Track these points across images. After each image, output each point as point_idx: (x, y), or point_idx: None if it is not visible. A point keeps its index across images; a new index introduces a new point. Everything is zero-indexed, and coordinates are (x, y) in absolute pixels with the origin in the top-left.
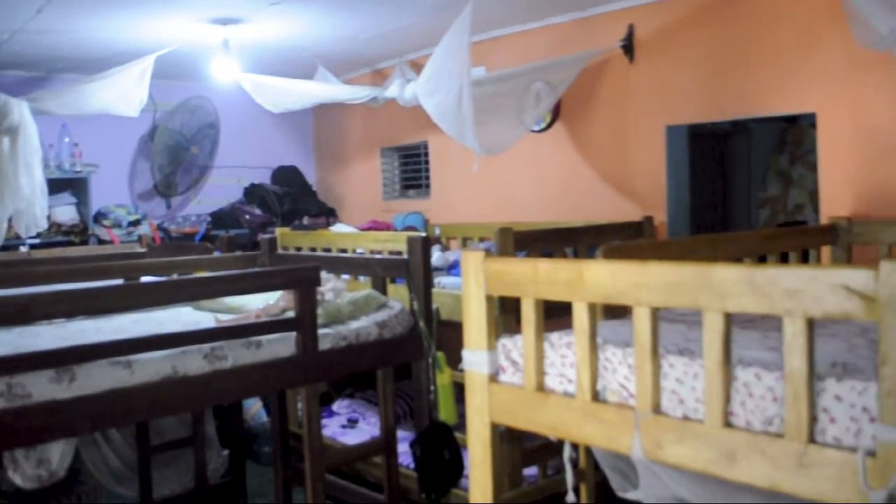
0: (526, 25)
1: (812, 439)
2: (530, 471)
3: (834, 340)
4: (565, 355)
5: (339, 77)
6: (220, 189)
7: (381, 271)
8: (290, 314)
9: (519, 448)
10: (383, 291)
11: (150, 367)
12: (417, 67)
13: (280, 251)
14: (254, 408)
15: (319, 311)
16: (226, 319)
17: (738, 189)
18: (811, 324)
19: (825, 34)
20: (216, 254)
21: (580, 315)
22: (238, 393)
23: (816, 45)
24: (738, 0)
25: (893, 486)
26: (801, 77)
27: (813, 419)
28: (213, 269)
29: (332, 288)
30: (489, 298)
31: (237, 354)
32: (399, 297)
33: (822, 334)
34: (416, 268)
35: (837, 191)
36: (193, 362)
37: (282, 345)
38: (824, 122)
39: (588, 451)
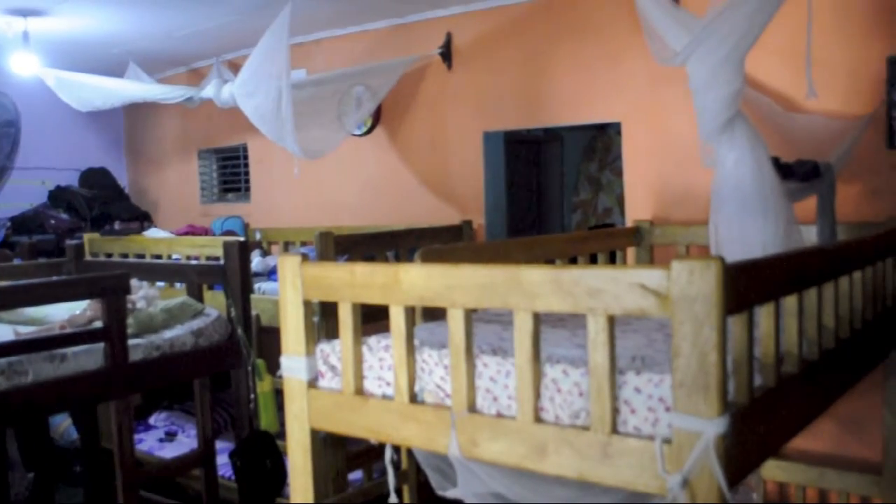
0: (346, 29)
1: (615, 430)
2: (356, 475)
3: (636, 336)
4: (383, 358)
5: (153, 75)
6: (22, 192)
7: (196, 278)
8: (98, 324)
9: (343, 453)
10: (199, 298)
11: None
12: (235, 68)
13: (88, 258)
14: (63, 425)
15: (130, 320)
16: (26, 332)
17: (552, 193)
18: (612, 321)
19: (629, 48)
20: (16, 261)
21: (397, 318)
22: (40, 410)
23: (622, 59)
24: (550, 13)
25: (688, 470)
26: (607, 88)
27: (615, 411)
28: (13, 277)
29: (144, 296)
30: (306, 303)
31: (39, 369)
32: (216, 304)
33: (625, 331)
34: (233, 273)
35: (641, 195)
36: None
37: (89, 357)
38: (629, 130)
39: (410, 452)
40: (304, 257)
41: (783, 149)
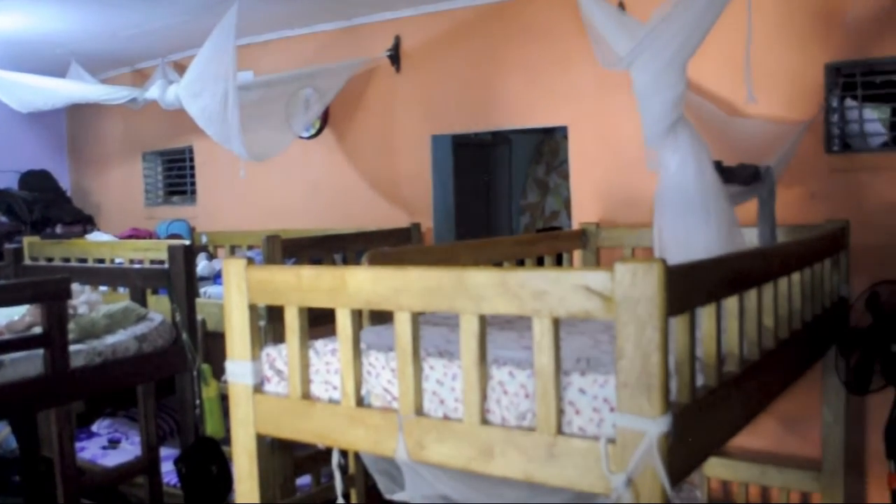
0: (294, 31)
1: (560, 431)
2: (304, 480)
3: (582, 338)
4: (330, 362)
5: (96, 76)
6: None
7: (140, 282)
8: (38, 330)
9: (291, 458)
10: (143, 303)
11: None
12: (181, 68)
13: (28, 262)
14: (1, 434)
15: (71, 325)
16: None
17: (500, 196)
18: (557, 323)
19: (576, 53)
20: None
21: (343, 321)
22: None
23: (569, 63)
24: (498, 18)
25: (632, 469)
26: (555, 92)
27: (560, 412)
28: None
29: (86, 300)
30: (252, 307)
31: None
32: (161, 308)
33: (571, 332)
34: (177, 277)
35: (588, 198)
36: None
37: (28, 364)
38: (575, 134)
39: (357, 456)
40: (250, 261)
41: (725, 153)
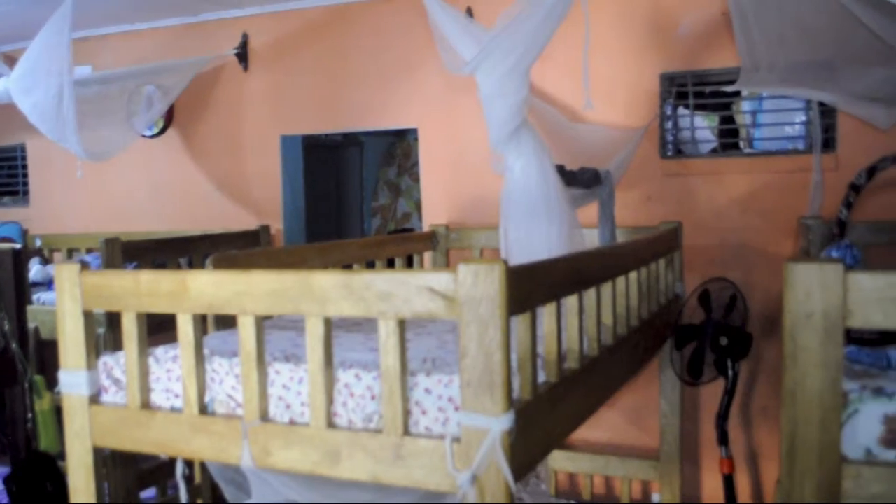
0: (136, 25)
1: (407, 432)
2: (149, 492)
3: (429, 338)
4: (171, 369)
5: None
6: None
7: None
8: None
9: (134, 470)
10: None
11: None
12: (11, 61)
13: None
14: None
15: None
16: None
17: (351, 198)
18: (402, 324)
19: (426, 56)
20: None
21: (184, 327)
22: None
23: (418, 66)
24: (348, 19)
25: (476, 466)
26: (404, 94)
27: (407, 413)
28: None
29: None
30: (87, 314)
31: None
32: None
33: (419, 333)
34: (6, 283)
35: (438, 200)
36: None
37: None
38: (425, 137)
39: (203, 465)
40: (84, 265)
41: (568, 157)
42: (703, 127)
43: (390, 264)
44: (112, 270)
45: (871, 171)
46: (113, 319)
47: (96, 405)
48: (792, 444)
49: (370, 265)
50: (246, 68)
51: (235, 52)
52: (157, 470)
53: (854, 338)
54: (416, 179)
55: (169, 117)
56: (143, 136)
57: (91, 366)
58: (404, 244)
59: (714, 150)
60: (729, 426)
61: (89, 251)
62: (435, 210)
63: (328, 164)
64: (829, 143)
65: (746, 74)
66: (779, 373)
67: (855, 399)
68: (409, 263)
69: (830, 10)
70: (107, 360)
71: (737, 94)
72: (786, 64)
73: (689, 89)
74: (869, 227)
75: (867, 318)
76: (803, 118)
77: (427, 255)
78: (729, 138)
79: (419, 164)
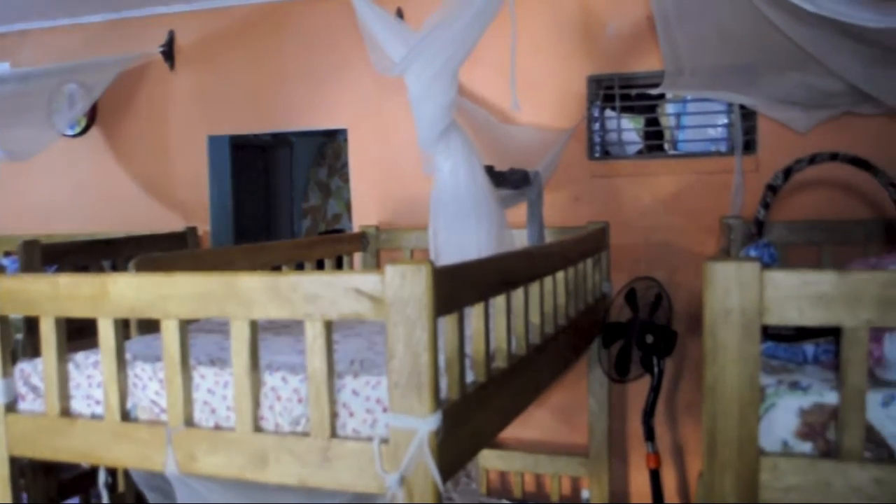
0: (57, 21)
1: (335, 434)
2: (72, 501)
3: (358, 340)
4: (92, 375)
5: None
6: None
7: None
8: None
9: (55, 480)
10: None
11: None
12: None
13: None
14: None
15: None
16: None
17: (281, 199)
18: (329, 326)
19: (356, 56)
20: None
21: (105, 331)
22: None
23: (347, 66)
24: (277, 18)
25: (404, 467)
26: (334, 95)
27: (334, 415)
28: None
29: None
30: (2, 319)
31: None
32: None
33: (348, 335)
34: None
35: (368, 201)
36: None
37: None
38: (355, 137)
39: (127, 473)
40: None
41: (497, 158)
42: (630, 129)
43: (320, 266)
44: (28, 274)
45: (788, 173)
46: (31, 324)
47: (13, 413)
48: (712, 437)
49: (299, 267)
50: (172, 67)
51: (161, 50)
52: (79, 479)
53: (771, 334)
54: (347, 180)
55: (92, 116)
56: (65, 135)
57: (7, 373)
58: (334, 245)
59: (640, 152)
60: (655, 422)
61: (7, 254)
62: (365, 211)
63: (257, 164)
64: (749, 146)
65: (670, 78)
66: (703, 369)
67: (772, 393)
68: (338, 265)
69: (751, 15)
70: (24, 366)
71: (662, 96)
72: (708, 68)
73: (616, 92)
74: (787, 226)
75: (783, 315)
76: (725, 121)
77: (357, 257)
78: (654, 140)
79: (349, 165)
